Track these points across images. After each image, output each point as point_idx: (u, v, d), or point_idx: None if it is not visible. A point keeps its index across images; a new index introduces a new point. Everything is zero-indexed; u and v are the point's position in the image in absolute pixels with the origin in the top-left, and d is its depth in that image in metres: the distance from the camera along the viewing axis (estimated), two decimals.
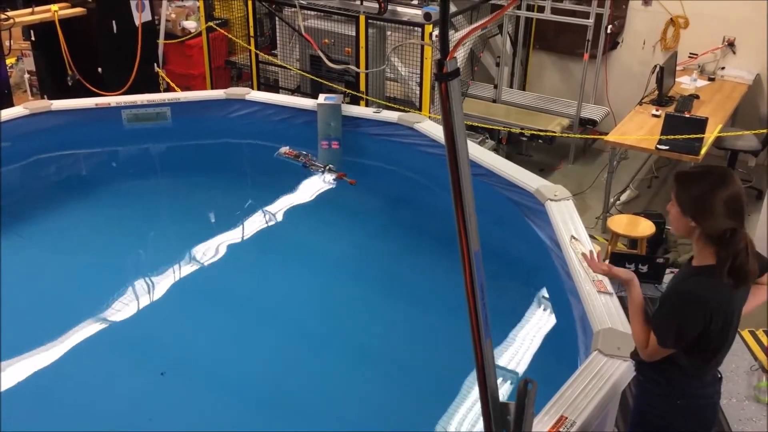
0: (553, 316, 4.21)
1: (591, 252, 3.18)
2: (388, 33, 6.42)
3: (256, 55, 7.06)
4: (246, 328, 4.28)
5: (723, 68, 7.06)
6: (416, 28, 6.03)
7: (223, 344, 4.14)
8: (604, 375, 2.86)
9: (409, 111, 6.05)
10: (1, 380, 3.74)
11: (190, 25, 7.71)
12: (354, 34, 6.20)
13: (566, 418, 2.64)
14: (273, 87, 7.18)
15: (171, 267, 4.80)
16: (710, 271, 2.45)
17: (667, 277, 4.72)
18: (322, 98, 5.87)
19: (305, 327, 4.28)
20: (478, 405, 2.11)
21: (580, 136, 7.06)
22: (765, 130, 6.19)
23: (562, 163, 7.31)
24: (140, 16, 6.75)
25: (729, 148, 6.43)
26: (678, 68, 6.98)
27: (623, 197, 6.52)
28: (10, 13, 6.12)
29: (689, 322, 2.46)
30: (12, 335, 4.07)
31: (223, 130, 6.06)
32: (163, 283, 4.65)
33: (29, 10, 6.33)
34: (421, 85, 6.15)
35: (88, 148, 6.11)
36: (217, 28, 7.32)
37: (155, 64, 7.16)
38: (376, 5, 6.21)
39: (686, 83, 6.85)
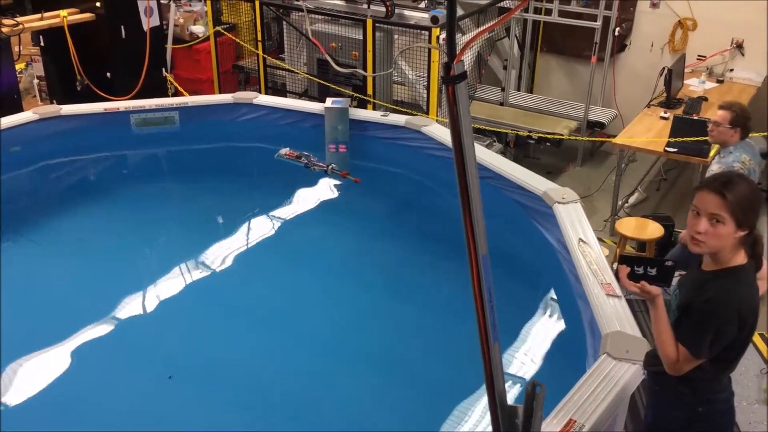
0: (562, 319, 4.19)
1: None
2: (396, 36, 6.43)
3: (264, 60, 7.08)
4: (253, 332, 4.28)
5: (731, 70, 7.04)
6: (423, 32, 6.03)
7: (230, 348, 4.14)
8: (613, 378, 2.85)
9: (416, 114, 6.05)
10: (1, 383, 3.76)
11: (198, 29, 7.73)
12: (361, 37, 6.21)
13: (575, 421, 2.63)
14: (280, 91, 7.20)
15: (179, 270, 4.82)
16: (736, 273, 2.44)
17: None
18: (329, 102, 5.88)
19: (312, 330, 4.28)
20: (486, 408, 2.10)
21: (588, 138, 7.04)
22: None
23: (570, 165, 7.29)
24: (148, 21, 6.78)
25: None
26: (686, 70, 6.96)
27: (631, 200, 6.50)
28: (20, 19, 6.16)
29: (724, 329, 2.43)
30: (21, 338, 4.10)
31: (231, 134, 6.08)
32: (172, 286, 4.66)
33: (38, 15, 6.37)
34: (428, 88, 6.15)
35: (96, 152, 6.13)
36: (225, 32, 7.34)
37: (163, 69, 7.19)
38: (384, 9, 6.22)
39: (695, 85, 6.83)
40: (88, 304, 4.44)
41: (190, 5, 8.13)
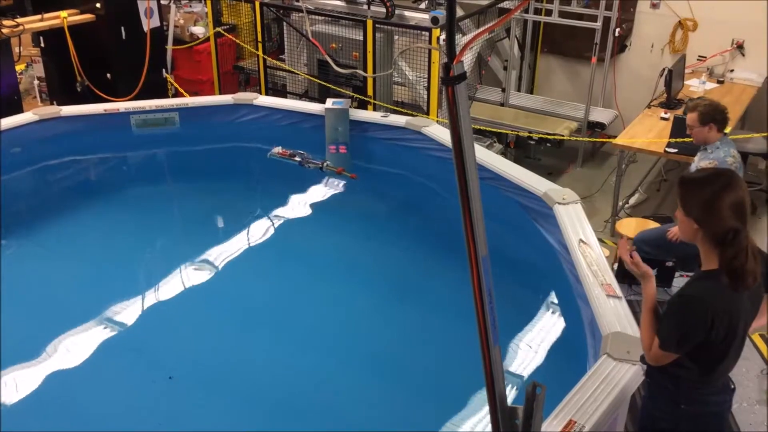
0: (562, 320, 4.19)
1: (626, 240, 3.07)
2: (396, 37, 6.43)
3: (264, 60, 7.08)
4: (256, 333, 4.28)
5: (732, 71, 7.04)
6: (423, 33, 6.03)
7: (233, 349, 4.14)
8: (613, 379, 2.85)
9: (416, 115, 6.05)
10: (1, 386, 3.76)
11: (199, 30, 7.74)
12: (361, 38, 6.21)
13: (575, 422, 2.62)
14: (281, 92, 7.20)
15: (180, 272, 4.82)
16: (713, 276, 2.44)
17: (680, 281, 4.69)
18: (329, 103, 5.88)
19: (315, 332, 4.28)
20: (487, 409, 2.10)
21: (588, 139, 7.04)
22: None
23: (570, 166, 7.29)
24: (149, 22, 6.78)
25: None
26: (687, 71, 6.96)
27: (632, 200, 6.50)
28: (20, 20, 6.16)
29: (691, 326, 2.45)
30: (23, 340, 4.10)
31: (232, 135, 6.08)
32: (173, 287, 4.67)
33: (39, 16, 6.37)
34: (428, 89, 6.15)
35: (97, 153, 6.14)
36: (225, 33, 7.35)
37: (164, 70, 7.19)
38: (384, 10, 6.22)
39: (695, 86, 6.83)
40: (88, 305, 4.44)
41: (191, 6, 8.13)
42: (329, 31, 6.43)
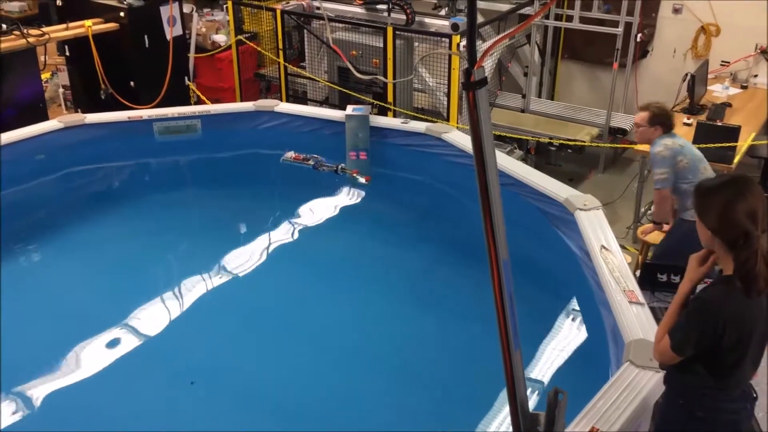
0: (584, 326, 4.16)
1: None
2: (416, 44, 6.45)
3: (285, 68, 7.12)
4: (275, 340, 4.29)
5: (756, 76, 6.96)
6: (444, 39, 6.04)
7: (252, 355, 4.16)
8: (636, 386, 2.83)
9: (436, 121, 6.06)
10: (2, 394, 3.80)
11: (220, 38, 7.80)
12: (382, 45, 6.23)
13: (597, 429, 2.60)
14: (301, 99, 7.24)
15: (201, 278, 4.85)
16: (729, 280, 2.44)
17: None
18: (350, 109, 5.90)
19: (334, 339, 4.29)
20: (508, 415, 2.09)
21: (609, 145, 6.99)
22: None
23: (591, 172, 7.25)
24: (171, 31, 6.86)
25: (763, 156, 6.32)
26: (710, 76, 6.89)
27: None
28: (46, 29, 6.26)
29: (701, 330, 2.45)
30: (44, 346, 4.15)
31: (253, 142, 6.12)
32: (194, 294, 4.70)
33: (64, 26, 6.47)
34: (448, 95, 6.15)
35: (120, 160, 6.20)
36: (247, 41, 7.40)
37: (186, 78, 7.26)
38: (404, 17, 6.24)
39: (718, 91, 6.76)
40: (110, 310, 4.49)
41: (213, 15, 8.20)
42: (350, 39, 6.46)
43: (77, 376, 3.94)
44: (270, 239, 5.38)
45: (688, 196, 4.71)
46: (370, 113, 5.98)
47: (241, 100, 7.49)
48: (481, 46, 6.07)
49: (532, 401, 3.61)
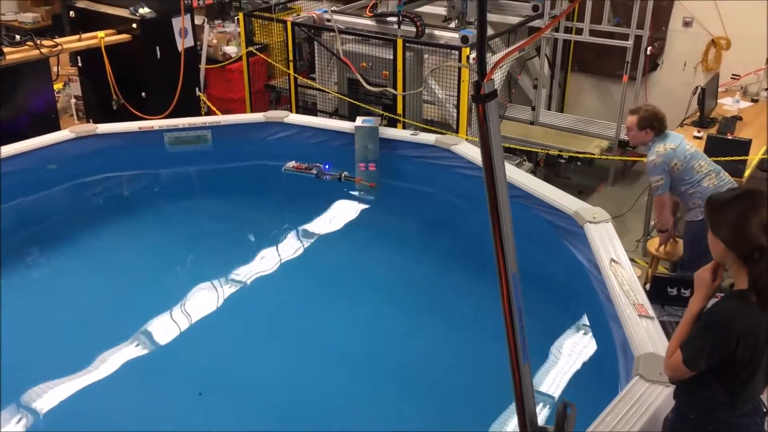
0: (593, 340, 4.14)
1: None
2: (426, 56, 6.46)
3: (295, 79, 7.15)
4: (283, 349, 4.30)
5: (766, 89, 6.94)
6: (453, 51, 6.05)
7: (261, 365, 4.16)
8: (646, 401, 2.81)
9: (446, 133, 6.06)
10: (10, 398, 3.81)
11: (231, 50, 7.85)
12: (391, 57, 6.26)
13: None
14: (311, 110, 7.27)
15: (210, 287, 4.86)
16: (743, 295, 2.42)
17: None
18: (359, 121, 5.92)
19: (343, 349, 4.29)
20: (517, 428, 2.08)
21: (619, 158, 6.98)
22: None
23: (601, 185, 7.23)
24: (183, 42, 6.91)
25: None
26: (720, 90, 6.88)
27: None
28: (59, 40, 6.32)
29: (713, 344, 2.43)
30: (52, 353, 4.16)
31: (263, 153, 6.14)
32: (203, 303, 4.71)
33: (76, 36, 6.52)
34: (458, 107, 6.16)
35: (131, 170, 6.24)
36: (257, 52, 7.44)
37: (197, 89, 7.30)
38: (414, 29, 6.26)
39: (729, 105, 6.74)
40: (119, 320, 4.50)
41: (224, 26, 8.26)
42: (359, 51, 6.49)
43: (86, 386, 3.95)
44: (279, 249, 5.38)
45: (688, 197, 4.81)
46: (380, 125, 5.99)
47: (252, 111, 7.52)
48: (491, 59, 6.08)
49: (541, 415, 3.59)
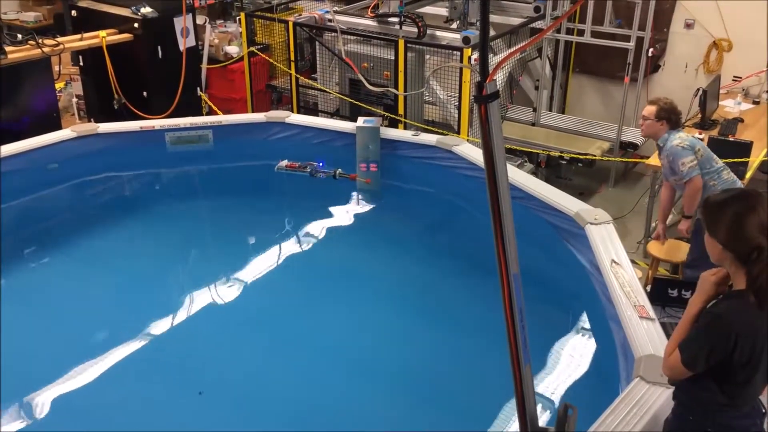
0: (594, 341, 4.14)
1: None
2: (427, 57, 6.47)
3: (297, 79, 7.15)
4: (283, 351, 4.30)
5: None
6: (455, 52, 6.05)
7: (260, 366, 4.16)
8: (646, 402, 2.81)
9: (447, 134, 6.06)
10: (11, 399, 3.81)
11: (233, 50, 7.86)
12: (393, 58, 6.26)
13: None
14: (312, 110, 7.27)
15: (211, 288, 4.86)
16: (741, 295, 2.42)
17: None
18: (361, 121, 5.92)
19: (340, 349, 4.28)
20: (517, 429, 2.08)
21: (620, 159, 6.98)
22: None
23: (602, 186, 7.23)
24: (184, 42, 6.91)
25: None
26: (721, 91, 6.87)
27: None
28: (60, 39, 6.32)
29: (712, 344, 2.43)
30: (55, 353, 4.16)
31: (264, 153, 6.14)
32: (203, 304, 4.71)
33: (78, 36, 6.53)
34: (459, 108, 6.16)
35: (132, 169, 6.24)
36: (259, 52, 7.45)
37: (198, 89, 7.31)
38: (415, 29, 6.26)
39: (730, 106, 6.74)
40: (119, 319, 4.51)
41: (225, 26, 8.26)
42: (361, 51, 6.49)
43: (86, 385, 3.95)
44: (279, 250, 5.38)
45: (709, 190, 4.70)
46: (381, 125, 5.99)
47: (253, 111, 7.53)
48: (493, 60, 6.08)
49: (542, 416, 3.59)
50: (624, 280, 3.67)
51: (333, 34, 6.59)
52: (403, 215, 5.90)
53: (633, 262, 4.21)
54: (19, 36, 6.18)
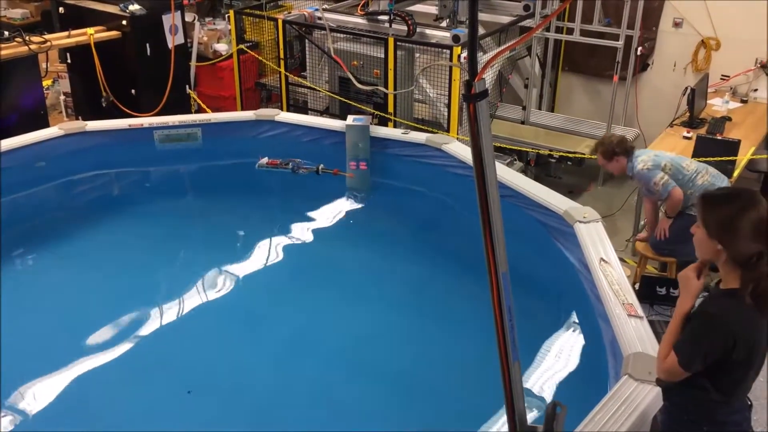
0: (582, 339, 4.15)
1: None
2: (417, 55, 6.46)
3: (286, 77, 7.14)
4: (273, 350, 4.29)
5: (756, 90, 6.98)
6: (445, 50, 6.05)
7: (250, 365, 4.15)
8: (635, 400, 2.82)
9: (437, 132, 6.07)
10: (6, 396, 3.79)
11: (222, 47, 7.83)
12: (383, 56, 6.25)
13: None
14: (302, 108, 7.25)
15: (200, 287, 4.84)
16: (735, 294, 2.41)
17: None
18: (350, 119, 5.91)
19: (333, 349, 4.28)
20: (506, 428, 2.09)
21: None
22: None
23: (591, 185, 7.25)
24: (173, 39, 6.87)
25: (762, 170, 6.33)
26: (709, 90, 6.91)
27: None
28: (48, 36, 6.27)
29: (711, 344, 2.42)
30: (42, 352, 4.14)
31: (253, 151, 6.12)
32: (192, 302, 4.69)
33: (66, 33, 6.48)
34: (449, 106, 6.16)
35: (120, 167, 6.21)
36: (248, 50, 7.42)
37: (187, 86, 7.27)
38: (405, 28, 6.26)
39: (718, 105, 6.78)
40: (108, 318, 4.48)
41: (214, 24, 8.23)
42: (351, 49, 6.48)
43: (74, 383, 3.93)
44: (268, 249, 5.37)
45: (688, 199, 4.83)
46: (371, 123, 5.99)
47: (242, 109, 7.51)
48: (482, 58, 6.08)
49: (531, 414, 3.59)
50: (613, 278, 3.68)
51: (322, 31, 6.58)
52: (393, 214, 5.89)
53: (622, 260, 4.22)
54: (6, 33, 6.12)
